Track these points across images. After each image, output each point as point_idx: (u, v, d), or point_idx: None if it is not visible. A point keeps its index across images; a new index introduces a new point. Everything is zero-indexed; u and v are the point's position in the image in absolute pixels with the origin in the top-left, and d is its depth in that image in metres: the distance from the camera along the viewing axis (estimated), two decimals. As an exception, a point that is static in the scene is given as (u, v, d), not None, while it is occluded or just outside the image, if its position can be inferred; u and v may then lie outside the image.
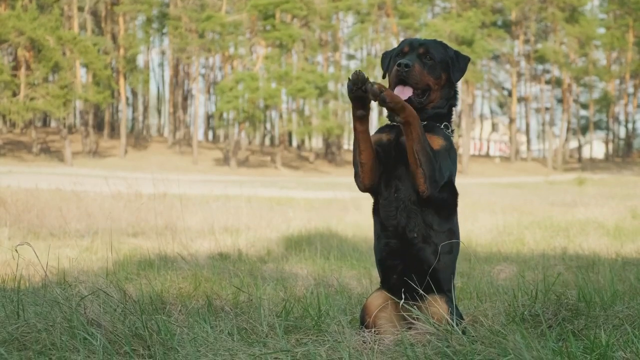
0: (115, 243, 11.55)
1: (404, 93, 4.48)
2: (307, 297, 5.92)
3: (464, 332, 4.19)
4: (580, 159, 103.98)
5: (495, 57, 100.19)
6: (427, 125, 4.51)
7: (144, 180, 19.66)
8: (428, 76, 4.53)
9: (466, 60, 4.76)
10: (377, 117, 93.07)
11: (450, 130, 4.63)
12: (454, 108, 4.73)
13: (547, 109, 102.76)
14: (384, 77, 4.81)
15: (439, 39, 4.83)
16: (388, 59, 4.78)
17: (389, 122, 4.67)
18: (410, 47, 4.62)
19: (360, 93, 4.32)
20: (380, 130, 4.66)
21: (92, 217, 15.78)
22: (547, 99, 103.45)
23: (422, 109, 4.54)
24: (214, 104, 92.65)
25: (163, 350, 4.17)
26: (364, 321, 4.57)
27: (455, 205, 4.62)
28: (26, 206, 16.51)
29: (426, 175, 4.30)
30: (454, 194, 4.59)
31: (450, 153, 4.48)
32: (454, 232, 4.57)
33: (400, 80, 4.48)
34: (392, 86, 4.56)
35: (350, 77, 4.31)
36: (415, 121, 4.28)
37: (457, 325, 4.20)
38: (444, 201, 4.49)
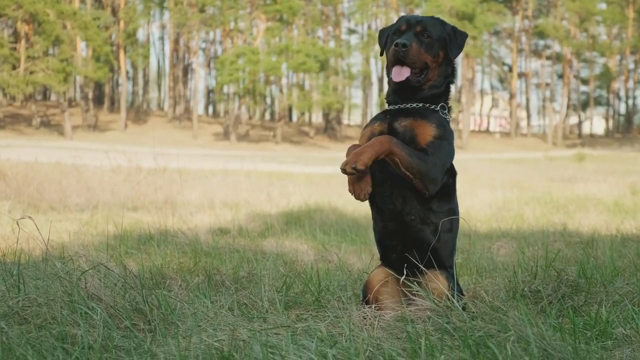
0: (116, 217, 11.54)
1: (401, 74, 4.46)
2: (308, 273, 5.92)
3: (464, 308, 4.19)
4: (580, 135, 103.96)
5: (496, 32, 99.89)
6: (420, 110, 4.50)
7: (143, 155, 19.63)
8: (425, 54, 4.50)
9: (464, 36, 4.72)
10: (377, 93, 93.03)
11: (447, 110, 4.60)
12: (451, 85, 4.71)
13: (547, 84, 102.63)
14: (381, 54, 4.78)
15: (437, 15, 4.80)
16: (385, 37, 4.75)
17: (387, 104, 4.66)
18: (408, 25, 4.58)
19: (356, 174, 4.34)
20: (374, 120, 4.64)
21: (92, 191, 15.77)
22: (548, 74, 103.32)
23: (420, 88, 4.52)
24: (214, 79, 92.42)
25: (163, 325, 4.18)
26: (365, 297, 4.57)
27: (454, 185, 4.61)
28: (26, 179, 16.49)
29: (424, 180, 4.29)
30: (452, 175, 4.57)
31: (445, 139, 4.43)
32: (454, 212, 4.56)
33: (398, 60, 4.46)
34: (390, 66, 4.55)
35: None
36: (394, 147, 4.23)
37: (457, 301, 4.20)
38: (443, 184, 4.47)
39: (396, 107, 4.53)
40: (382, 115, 4.60)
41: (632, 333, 4.04)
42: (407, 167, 4.25)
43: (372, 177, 4.49)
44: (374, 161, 4.21)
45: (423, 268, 4.40)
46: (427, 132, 4.39)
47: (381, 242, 4.60)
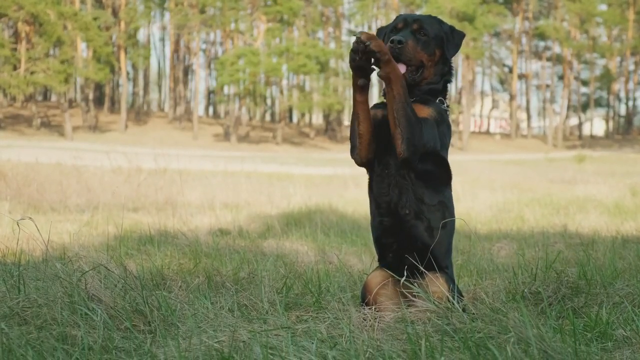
0: (116, 218, 11.54)
1: None
2: (308, 274, 5.92)
3: (464, 310, 4.18)
4: (580, 136, 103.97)
5: (497, 34, 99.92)
6: (421, 99, 4.49)
7: (144, 155, 19.64)
8: (421, 52, 4.48)
9: (461, 35, 4.71)
10: (377, 94, 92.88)
11: (445, 106, 4.60)
12: (449, 84, 4.70)
13: (547, 86, 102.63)
14: None
15: (436, 15, 4.79)
16: (383, 35, 4.74)
17: (384, 100, 4.65)
18: (405, 23, 4.56)
19: (362, 63, 4.30)
20: (375, 106, 4.62)
21: (92, 192, 15.77)
22: (548, 75, 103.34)
23: (416, 86, 4.51)
24: (215, 80, 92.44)
25: (164, 326, 4.17)
26: (364, 298, 4.57)
27: (446, 178, 4.55)
28: (26, 180, 16.49)
29: (403, 137, 4.25)
30: (443, 166, 4.52)
31: (439, 124, 4.43)
32: (446, 206, 4.52)
33: (394, 57, 4.44)
34: None
35: (352, 47, 4.29)
36: (397, 79, 4.25)
37: (457, 302, 4.19)
38: (431, 173, 4.44)
39: None
40: (383, 105, 4.58)
41: (632, 335, 4.03)
42: (398, 109, 4.24)
43: (372, 167, 4.52)
44: (379, 57, 4.21)
45: (422, 269, 4.39)
46: (423, 111, 4.39)
47: (378, 241, 4.59)
